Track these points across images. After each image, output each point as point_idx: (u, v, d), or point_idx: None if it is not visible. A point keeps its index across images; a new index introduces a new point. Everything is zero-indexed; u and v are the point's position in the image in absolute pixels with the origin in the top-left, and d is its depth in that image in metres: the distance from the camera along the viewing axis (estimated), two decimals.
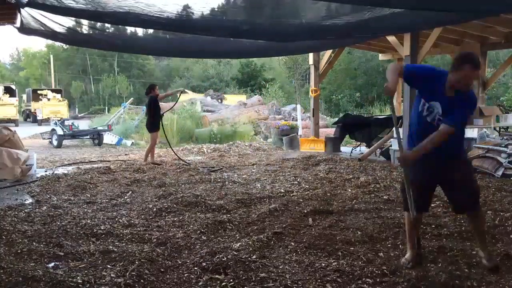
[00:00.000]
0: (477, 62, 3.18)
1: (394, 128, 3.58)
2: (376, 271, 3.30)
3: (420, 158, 3.27)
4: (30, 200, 5.79)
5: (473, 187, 3.42)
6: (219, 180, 7.09)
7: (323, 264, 3.47)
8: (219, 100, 23.49)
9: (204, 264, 3.47)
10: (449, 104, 3.22)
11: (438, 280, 3.09)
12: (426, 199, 3.54)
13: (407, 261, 3.44)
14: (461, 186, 3.34)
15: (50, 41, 44.59)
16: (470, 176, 3.49)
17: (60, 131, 13.63)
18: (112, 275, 3.26)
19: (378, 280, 3.17)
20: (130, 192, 6.29)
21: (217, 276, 3.25)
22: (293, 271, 3.35)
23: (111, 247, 3.91)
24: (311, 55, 11.25)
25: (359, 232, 4.27)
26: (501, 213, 4.90)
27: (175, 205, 5.35)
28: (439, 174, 3.40)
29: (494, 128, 9.88)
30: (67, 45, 39.98)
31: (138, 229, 4.47)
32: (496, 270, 3.29)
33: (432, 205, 5.27)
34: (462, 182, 3.35)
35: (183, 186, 6.69)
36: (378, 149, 9.51)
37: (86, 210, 5.23)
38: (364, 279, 3.19)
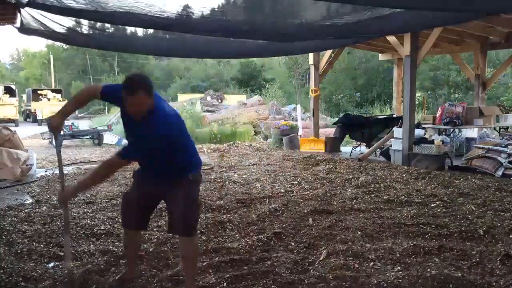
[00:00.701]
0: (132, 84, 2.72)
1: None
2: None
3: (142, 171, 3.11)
4: (30, 200, 5.79)
5: (189, 212, 2.97)
6: (219, 180, 7.10)
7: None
8: (219, 100, 23.48)
9: (204, 264, 3.48)
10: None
11: (437, 280, 3.09)
12: (145, 216, 3.21)
13: (119, 279, 3.18)
14: (176, 207, 2.97)
15: (50, 41, 44.67)
16: (189, 197, 3.00)
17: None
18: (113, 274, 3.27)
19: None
20: None
21: (217, 274, 3.25)
22: (293, 271, 3.35)
23: (111, 247, 3.91)
24: (311, 55, 11.25)
25: (359, 232, 4.28)
26: (501, 213, 4.91)
27: None
28: (158, 192, 3.06)
29: (494, 128, 9.88)
30: (67, 45, 39.95)
31: None
32: None
33: (432, 205, 5.31)
34: (177, 203, 2.97)
35: None
36: (378, 149, 9.51)
37: (86, 210, 5.24)
38: None
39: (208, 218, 4.81)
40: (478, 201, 5.45)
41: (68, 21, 5.82)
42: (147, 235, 4.24)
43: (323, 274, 3.26)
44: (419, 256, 3.59)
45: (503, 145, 7.49)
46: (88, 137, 14.69)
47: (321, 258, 3.58)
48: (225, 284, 3.13)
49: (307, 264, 3.51)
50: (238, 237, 4.21)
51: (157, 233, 4.30)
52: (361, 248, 3.80)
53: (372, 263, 3.49)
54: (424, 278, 3.11)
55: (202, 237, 4.24)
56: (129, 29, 6.97)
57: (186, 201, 2.96)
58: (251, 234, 4.28)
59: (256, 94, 27.10)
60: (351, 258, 3.59)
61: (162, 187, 2.99)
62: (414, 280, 3.10)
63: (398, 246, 3.80)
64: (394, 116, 11.01)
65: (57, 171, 8.03)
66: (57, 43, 43.58)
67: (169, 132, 2.81)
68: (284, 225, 4.51)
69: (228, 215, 4.96)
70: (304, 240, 4.06)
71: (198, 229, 4.37)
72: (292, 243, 4.00)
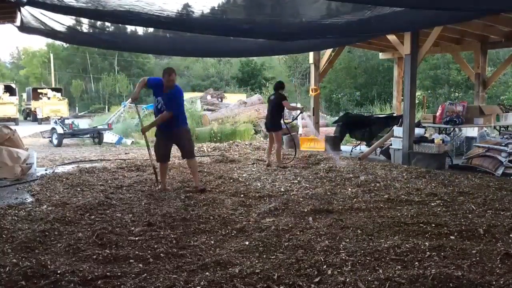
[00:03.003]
0: (169, 70, 6.01)
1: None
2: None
3: (159, 131, 6.22)
4: (30, 199, 5.79)
5: (189, 145, 6.33)
6: (219, 179, 7.10)
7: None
8: (219, 99, 23.45)
9: (206, 260, 3.48)
10: (165, 97, 5.98)
11: (438, 279, 3.09)
12: (166, 152, 6.27)
13: (159, 189, 6.20)
14: (182, 143, 6.24)
15: (50, 40, 44.71)
16: (187, 138, 6.26)
17: (60, 130, 13.63)
18: (119, 273, 3.27)
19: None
20: (130, 190, 6.30)
21: (217, 272, 3.26)
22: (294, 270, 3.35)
23: (112, 246, 3.91)
24: (311, 54, 11.24)
25: (359, 231, 4.28)
26: (502, 212, 4.91)
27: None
28: (170, 138, 6.16)
29: (494, 127, 9.88)
30: (67, 44, 39.91)
31: (139, 229, 4.47)
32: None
33: (432, 204, 5.31)
34: (182, 142, 6.22)
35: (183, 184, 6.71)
36: (378, 148, 9.51)
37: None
38: None
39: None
40: (478, 200, 5.45)
41: (68, 20, 5.82)
42: (147, 235, 4.25)
43: (323, 272, 3.26)
44: (419, 255, 3.59)
45: (503, 144, 7.49)
46: (88, 136, 14.69)
47: (321, 257, 3.58)
48: (223, 282, 3.14)
49: (307, 264, 3.51)
50: (238, 236, 4.22)
51: (157, 233, 4.31)
52: (361, 247, 3.80)
53: (372, 262, 3.49)
54: (424, 277, 3.10)
55: (202, 237, 4.24)
56: (129, 28, 6.97)
57: (189, 140, 6.35)
58: (251, 233, 4.28)
59: (256, 93, 27.09)
60: (351, 257, 3.58)
61: (174, 134, 6.11)
62: (414, 279, 3.10)
63: (398, 245, 3.80)
64: (394, 115, 11.01)
65: (57, 170, 8.03)
66: (57, 42, 43.74)
67: (180, 95, 6.15)
68: (284, 224, 4.51)
69: (228, 214, 4.98)
70: (305, 239, 4.06)
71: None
72: (293, 242, 3.99)
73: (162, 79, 5.93)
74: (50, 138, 14.29)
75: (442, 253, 3.63)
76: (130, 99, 6.03)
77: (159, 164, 6.32)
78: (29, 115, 31.33)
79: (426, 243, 3.82)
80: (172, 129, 6.04)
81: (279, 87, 8.63)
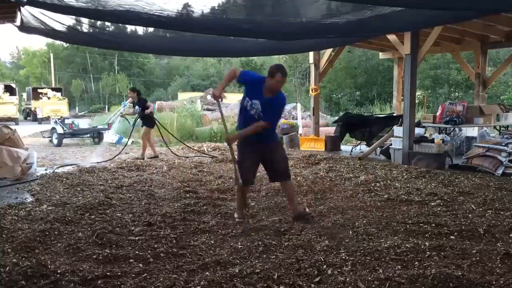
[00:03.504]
0: (285, 72, 4.51)
1: None
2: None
3: (246, 143, 4.63)
4: (30, 199, 5.79)
5: (285, 163, 4.76)
6: (219, 179, 7.10)
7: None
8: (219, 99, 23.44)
9: (206, 260, 3.48)
10: (266, 103, 4.47)
11: (438, 279, 3.09)
12: (254, 173, 4.79)
13: (239, 218, 4.73)
14: (276, 161, 4.67)
15: (50, 40, 44.63)
16: (282, 154, 4.82)
17: (60, 130, 13.62)
18: (118, 273, 3.27)
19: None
20: (130, 190, 6.30)
21: (217, 272, 3.26)
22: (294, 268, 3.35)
23: (112, 246, 3.91)
24: (311, 53, 11.24)
25: (359, 231, 4.27)
26: (502, 212, 4.91)
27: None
28: (260, 154, 4.64)
29: (494, 127, 9.88)
30: (67, 44, 39.94)
31: (139, 228, 4.47)
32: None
33: (432, 204, 5.31)
34: (277, 158, 4.68)
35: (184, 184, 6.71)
36: (378, 148, 9.51)
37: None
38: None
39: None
40: (478, 200, 5.45)
41: (68, 20, 5.82)
42: (147, 234, 4.25)
43: (324, 271, 3.27)
44: (419, 255, 3.59)
45: (503, 144, 7.49)
46: (88, 135, 14.69)
47: (320, 256, 3.58)
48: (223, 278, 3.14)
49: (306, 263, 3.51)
50: (237, 236, 4.22)
51: (157, 232, 4.31)
52: (361, 247, 3.80)
53: (372, 262, 3.48)
54: (424, 277, 3.10)
55: (202, 237, 4.24)
56: (129, 28, 6.98)
57: (285, 157, 4.83)
58: (251, 232, 4.29)
59: None
60: (351, 257, 3.58)
61: (267, 149, 4.64)
62: (414, 279, 3.10)
63: (398, 245, 3.80)
64: (394, 115, 11.01)
65: (57, 170, 8.03)
66: (57, 42, 43.73)
67: (284, 104, 4.78)
68: (284, 223, 4.51)
69: (229, 213, 4.98)
70: (305, 239, 4.06)
71: (198, 227, 4.39)
72: (293, 241, 3.99)
73: (263, 78, 4.56)
74: (50, 138, 14.28)
75: (442, 253, 3.63)
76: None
77: (241, 188, 4.83)
78: (29, 115, 31.32)
79: (426, 243, 3.82)
80: (265, 142, 4.63)
81: None
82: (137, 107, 9.92)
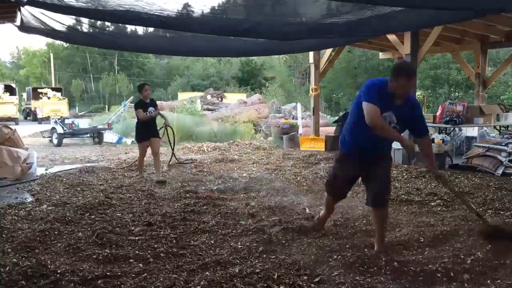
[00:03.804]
0: (407, 68, 3.57)
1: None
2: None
3: (355, 157, 3.71)
4: (30, 199, 5.79)
5: (388, 182, 3.76)
6: (219, 179, 7.10)
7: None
8: (219, 99, 23.46)
9: (206, 260, 3.48)
10: (400, 111, 3.55)
11: (438, 275, 3.09)
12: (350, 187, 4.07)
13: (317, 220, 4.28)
14: (380, 178, 3.65)
15: (50, 40, 44.57)
16: (389, 170, 3.85)
17: (60, 130, 13.63)
18: (118, 273, 3.27)
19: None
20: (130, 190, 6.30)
21: (217, 272, 3.26)
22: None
23: (112, 246, 3.91)
24: (311, 53, 11.23)
25: (359, 230, 4.28)
26: (501, 212, 4.91)
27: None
28: (368, 165, 3.68)
29: (494, 127, 9.88)
30: (67, 44, 39.92)
31: (139, 228, 4.47)
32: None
33: (432, 203, 5.31)
34: (382, 175, 3.67)
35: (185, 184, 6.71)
36: None
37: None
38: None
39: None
40: (478, 200, 5.45)
41: (68, 20, 5.81)
42: (148, 234, 4.25)
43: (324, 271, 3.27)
44: (419, 255, 3.59)
45: (503, 144, 7.49)
46: (88, 135, 14.70)
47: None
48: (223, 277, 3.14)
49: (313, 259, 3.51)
50: (237, 235, 4.22)
51: (157, 232, 4.31)
52: (361, 247, 3.80)
53: (372, 261, 3.49)
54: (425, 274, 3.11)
55: (202, 237, 4.24)
56: (129, 28, 6.98)
57: (388, 174, 3.75)
58: (250, 232, 4.29)
59: (256, 93, 27.09)
60: (351, 257, 3.58)
61: (379, 160, 3.65)
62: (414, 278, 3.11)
63: (398, 244, 3.81)
64: None
65: (55, 170, 8.02)
66: (57, 42, 43.69)
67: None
68: (284, 223, 4.51)
69: (229, 212, 4.98)
70: (306, 238, 4.06)
71: (198, 226, 4.40)
72: (295, 241, 4.00)
73: (385, 81, 3.58)
74: (50, 138, 14.28)
75: (442, 252, 3.63)
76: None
77: (329, 197, 4.17)
78: (29, 115, 31.32)
79: (426, 243, 3.83)
80: (381, 152, 3.75)
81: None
82: (151, 108, 7.26)
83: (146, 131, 7.22)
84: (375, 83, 3.56)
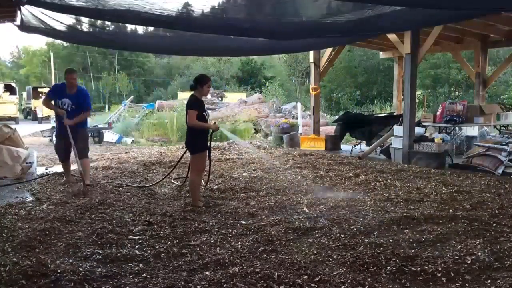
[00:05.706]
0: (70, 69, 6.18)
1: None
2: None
3: None
4: (30, 198, 5.79)
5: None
6: (219, 178, 7.10)
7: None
8: (219, 98, 23.44)
9: (206, 260, 3.48)
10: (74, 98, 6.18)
11: (438, 275, 3.09)
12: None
13: None
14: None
15: (50, 39, 44.60)
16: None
17: None
18: (119, 272, 3.27)
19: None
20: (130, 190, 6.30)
21: (217, 271, 3.26)
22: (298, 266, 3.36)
23: (112, 246, 3.91)
24: (311, 53, 11.23)
25: (359, 230, 4.28)
26: (502, 212, 4.90)
27: None
28: None
29: (495, 126, 9.88)
30: (67, 43, 39.92)
31: (139, 228, 4.47)
32: None
33: (432, 203, 5.30)
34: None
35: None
36: (379, 147, 9.50)
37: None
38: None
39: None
40: (478, 199, 5.44)
41: (69, 19, 5.81)
42: (147, 233, 4.24)
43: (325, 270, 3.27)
44: (419, 255, 3.59)
45: (503, 143, 7.49)
46: (88, 135, 14.67)
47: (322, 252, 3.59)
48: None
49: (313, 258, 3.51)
50: (237, 235, 4.22)
51: (158, 232, 4.31)
52: (361, 246, 3.80)
53: (372, 261, 3.49)
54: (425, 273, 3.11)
55: (202, 237, 4.25)
56: (130, 27, 6.97)
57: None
58: (250, 231, 4.29)
59: (256, 92, 27.08)
60: (351, 256, 3.59)
61: None
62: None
63: (398, 244, 3.81)
64: (394, 114, 11.00)
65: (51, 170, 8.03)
66: (57, 41, 43.72)
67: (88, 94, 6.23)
68: (284, 222, 4.51)
69: (229, 212, 4.99)
70: (307, 238, 4.06)
71: (198, 226, 4.39)
72: (297, 241, 4.00)
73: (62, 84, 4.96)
74: (50, 137, 14.27)
75: (442, 252, 3.64)
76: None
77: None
78: (29, 114, 31.32)
79: (426, 243, 3.83)
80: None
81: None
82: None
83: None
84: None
